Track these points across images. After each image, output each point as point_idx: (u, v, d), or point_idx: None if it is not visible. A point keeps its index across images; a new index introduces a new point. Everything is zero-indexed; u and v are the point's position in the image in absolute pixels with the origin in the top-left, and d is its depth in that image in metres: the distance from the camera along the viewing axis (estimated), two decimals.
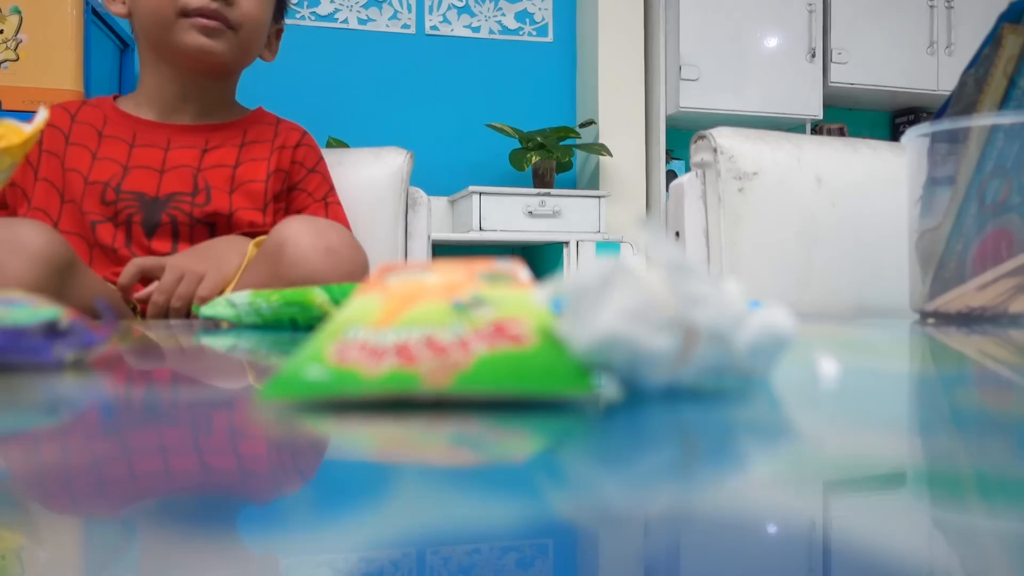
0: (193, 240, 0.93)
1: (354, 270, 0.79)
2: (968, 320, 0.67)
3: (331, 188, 1.05)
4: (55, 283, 0.70)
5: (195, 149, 0.96)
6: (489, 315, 0.25)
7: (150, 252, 0.90)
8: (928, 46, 3.14)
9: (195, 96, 0.98)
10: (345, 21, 2.93)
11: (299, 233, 0.78)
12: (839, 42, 3.06)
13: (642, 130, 3.00)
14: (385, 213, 1.17)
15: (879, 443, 0.20)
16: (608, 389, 0.26)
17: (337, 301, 0.56)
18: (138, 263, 0.83)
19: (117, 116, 0.98)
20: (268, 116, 1.05)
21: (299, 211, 1.01)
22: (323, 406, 0.23)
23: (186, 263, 0.82)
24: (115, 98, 1.02)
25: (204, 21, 0.92)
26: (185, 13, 0.91)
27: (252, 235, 0.93)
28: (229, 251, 0.87)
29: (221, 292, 0.82)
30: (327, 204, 1.03)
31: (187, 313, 0.81)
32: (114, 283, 0.86)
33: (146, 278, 0.84)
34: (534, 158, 2.77)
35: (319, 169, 1.04)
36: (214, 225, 0.94)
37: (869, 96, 3.22)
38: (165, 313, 0.81)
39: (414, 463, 0.18)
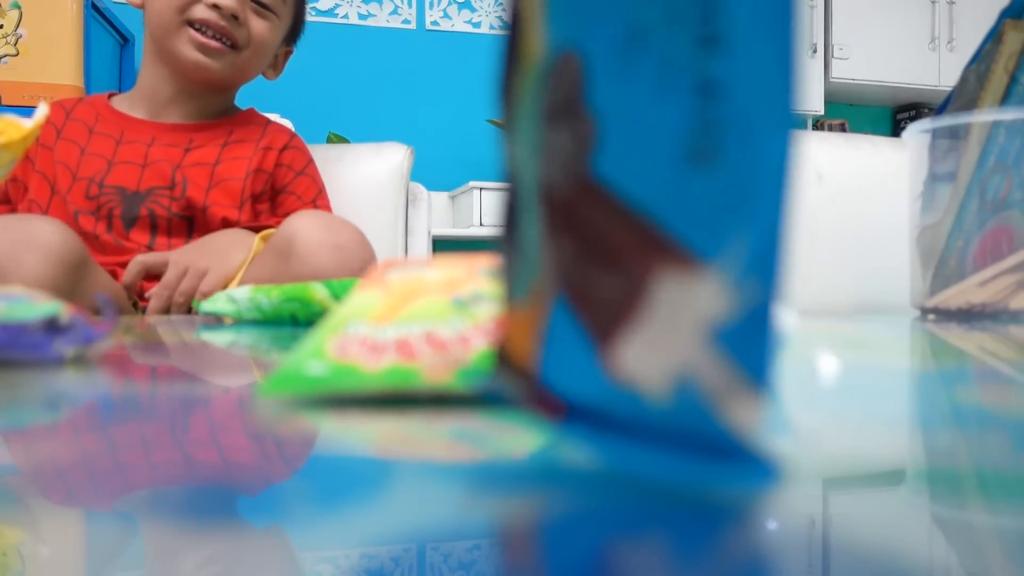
0: (171, 234, 0.93)
1: (363, 267, 0.79)
2: (969, 316, 0.67)
3: (320, 191, 1.03)
4: (70, 279, 0.71)
5: (178, 148, 0.96)
6: (490, 311, 0.25)
7: (128, 243, 0.90)
8: (930, 42, 3.14)
9: (187, 100, 0.98)
10: (345, 16, 2.93)
11: (309, 228, 0.78)
12: (840, 37, 3.06)
13: None
14: (385, 209, 1.17)
15: (879, 440, 0.20)
16: None
17: (338, 297, 0.56)
18: (141, 260, 0.83)
19: (108, 114, 0.98)
20: (258, 117, 1.04)
21: (287, 215, 1.01)
22: (323, 401, 0.23)
23: (189, 259, 0.82)
24: (110, 96, 1.01)
25: (204, 40, 0.91)
26: (190, 23, 0.91)
27: (256, 229, 0.93)
28: (233, 246, 0.86)
29: (224, 288, 0.82)
30: (316, 207, 1.01)
31: (188, 309, 0.81)
32: (116, 276, 0.86)
33: (149, 275, 0.84)
34: None
35: (308, 172, 1.03)
36: (191, 219, 0.94)
37: (870, 92, 3.21)
38: (167, 309, 0.81)
39: (414, 459, 0.18)
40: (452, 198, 2.87)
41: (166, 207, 0.92)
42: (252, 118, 1.03)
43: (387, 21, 2.97)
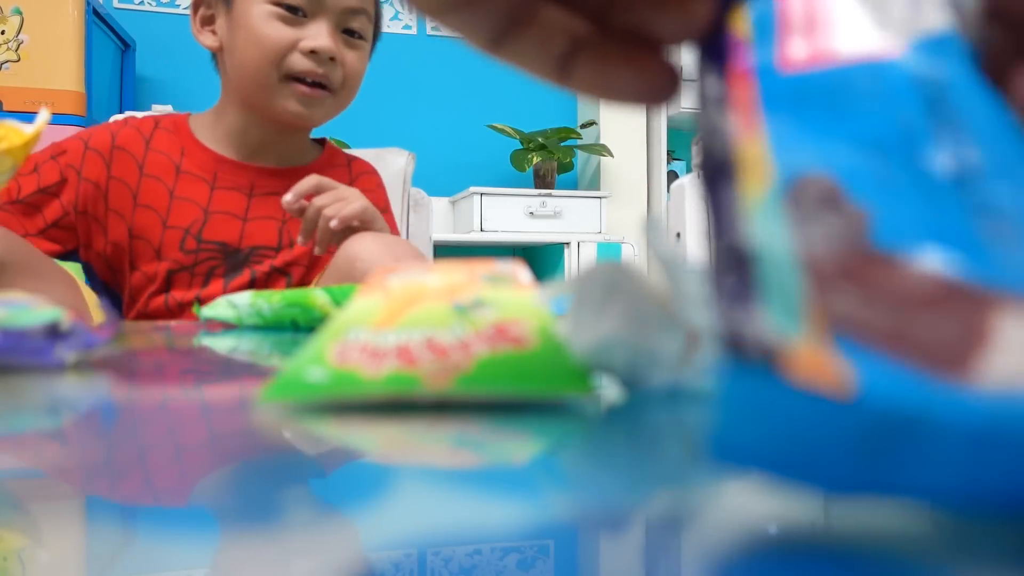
0: (264, 286, 0.90)
1: None
2: None
3: (395, 224, 1.00)
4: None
5: (277, 197, 0.88)
6: (490, 316, 0.25)
7: (210, 298, 0.85)
8: None
9: (279, 143, 0.94)
10: None
11: (369, 248, 0.79)
12: None
13: (643, 131, 3.00)
14: None
15: None
16: (609, 390, 0.26)
17: (338, 302, 0.56)
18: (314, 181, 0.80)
19: (196, 149, 0.92)
20: (339, 156, 1.02)
21: None
22: (324, 408, 0.23)
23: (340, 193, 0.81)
24: (188, 118, 0.95)
25: (307, 90, 0.87)
26: (289, 76, 0.87)
27: None
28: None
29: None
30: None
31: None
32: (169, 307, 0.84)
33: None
34: (535, 159, 2.77)
35: (388, 209, 1.01)
36: (290, 275, 0.92)
37: None
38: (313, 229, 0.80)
39: (415, 464, 0.18)
40: (453, 203, 2.87)
41: (267, 264, 0.90)
42: (334, 158, 1.01)
43: (388, 27, 2.98)
